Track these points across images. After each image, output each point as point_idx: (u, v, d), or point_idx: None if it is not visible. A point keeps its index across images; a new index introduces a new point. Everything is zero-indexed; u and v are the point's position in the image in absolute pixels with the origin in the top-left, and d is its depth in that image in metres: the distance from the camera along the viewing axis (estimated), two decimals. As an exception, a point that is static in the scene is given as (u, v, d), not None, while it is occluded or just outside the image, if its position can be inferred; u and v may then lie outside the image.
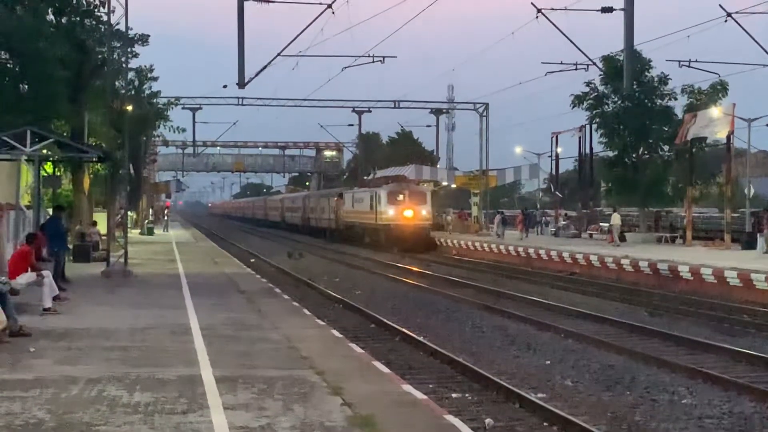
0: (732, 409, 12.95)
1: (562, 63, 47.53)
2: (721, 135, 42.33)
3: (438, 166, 76.79)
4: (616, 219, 46.58)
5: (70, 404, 10.01)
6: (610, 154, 51.05)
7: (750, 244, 39.65)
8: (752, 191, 56.45)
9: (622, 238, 46.80)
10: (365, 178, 69.89)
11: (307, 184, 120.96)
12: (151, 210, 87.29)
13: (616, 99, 49.02)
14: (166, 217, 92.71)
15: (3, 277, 17.81)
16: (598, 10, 33.36)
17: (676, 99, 48.71)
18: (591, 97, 49.65)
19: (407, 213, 55.56)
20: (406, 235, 54.15)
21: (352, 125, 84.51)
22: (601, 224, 56.01)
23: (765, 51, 34.72)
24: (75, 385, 11.05)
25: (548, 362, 16.96)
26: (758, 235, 39.25)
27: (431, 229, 58.08)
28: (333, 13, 32.52)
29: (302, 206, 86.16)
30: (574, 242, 48.42)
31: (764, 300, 25.91)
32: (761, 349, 18.02)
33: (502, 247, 46.80)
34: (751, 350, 17.57)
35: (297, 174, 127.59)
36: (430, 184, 67.96)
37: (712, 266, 29.88)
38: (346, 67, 50.93)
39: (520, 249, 44.63)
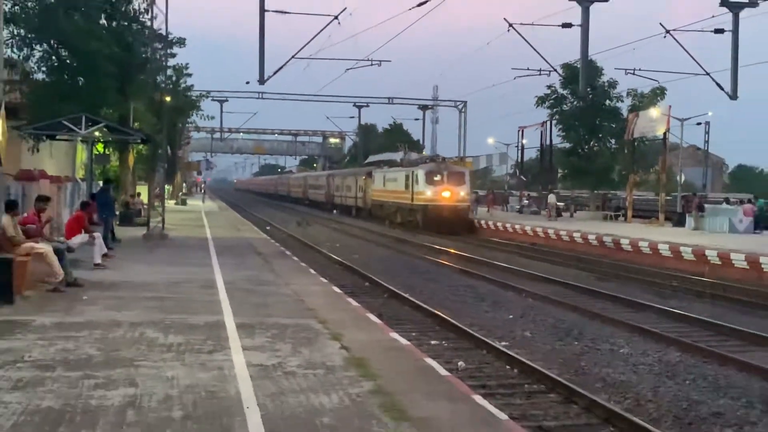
0: (662, 358, 13.03)
1: (528, 69, 47.53)
2: (660, 132, 42.49)
3: (424, 152, 76.41)
4: (552, 199, 48.37)
5: (116, 343, 10.04)
6: (567, 145, 51.22)
7: (680, 222, 39.94)
8: (683, 179, 56.81)
9: (558, 214, 47.93)
10: (398, 159, 57.61)
11: (314, 165, 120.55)
12: (184, 184, 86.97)
13: (572, 100, 49.18)
14: (202, 190, 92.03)
15: (61, 238, 17.88)
16: (559, 26, 33.27)
17: (622, 101, 49.05)
18: (552, 97, 49.80)
19: (445, 193, 45.34)
20: (444, 216, 44.31)
21: (353, 117, 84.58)
22: (557, 203, 56.13)
23: (696, 62, 34.69)
24: (119, 327, 11.08)
25: (511, 317, 17.01)
26: (687, 215, 39.48)
27: (468, 210, 47.87)
28: (339, 23, 32.52)
29: (326, 184, 75.59)
30: (535, 218, 48.47)
31: (691, 269, 26.03)
32: (687, 309, 18.13)
33: (475, 221, 46.74)
34: (678, 310, 17.69)
35: (306, 157, 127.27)
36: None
37: (648, 240, 29.99)
38: (348, 69, 50.91)
39: (490, 223, 44.62)
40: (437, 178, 45.88)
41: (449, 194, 45.38)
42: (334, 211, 55.02)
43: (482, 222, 45.61)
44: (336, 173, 75.54)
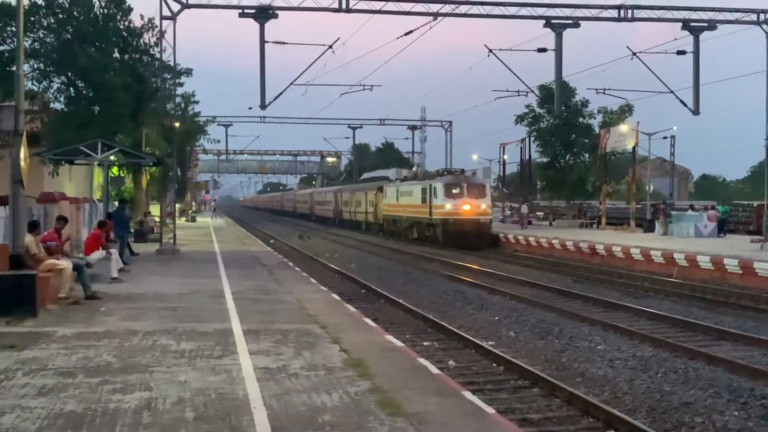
0: (635, 354, 13.02)
1: (507, 90, 47.60)
2: (629, 146, 42.63)
3: (414, 169, 76.45)
4: (524, 209, 48.60)
5: (132, 351, 10.01)
6: (545, 160, 51.31)
7: (650, 228, 40.00)
8: (651, 188, 57.00)
9: (529, 223, 48.93)
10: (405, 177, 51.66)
11: (314, 183, 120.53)
12: (194, 203, 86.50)
13: (549, 118, 49.27)
14: (214, 208, 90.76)
15: (80, 254, 17.85)
16: (535, 50, 33.36)
17: (594, 118, 49.23)
18: (530, 116, 49.94)
19: (466, 207, 39.78)
20: (465, 230, 38.96)
21: (348, 138, 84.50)
22: (536, 213, 56.16)
23: (661, 81, 34.77)
24: (135, 336, 11.04)
25: (497, 318, 17.00)
26: (656, 221, 39.54)
27: (491, 224, 41.65)
28: (333, 52, 32.44)
29: (334, 200, 69.91)
30: (515, 227, 48.50)
31: (660, 270, 26.07)
32: (658, 307, 18.14)
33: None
34: (650, 309, 17.71)
35: (306, 175, 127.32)
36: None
37: (621, 245, 30.01)
38: (343, 93, 50.96)
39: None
40: (456, 190, 40.41)
41: (470, 207, 39.89)
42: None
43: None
44: (345, 188, 69.05)
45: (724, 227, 36.72)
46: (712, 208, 39.64)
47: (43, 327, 11.68)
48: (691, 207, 43.78)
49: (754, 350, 13.33)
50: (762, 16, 30.08)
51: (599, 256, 30.70)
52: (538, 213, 57.92)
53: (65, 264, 14.47)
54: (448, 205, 39.97)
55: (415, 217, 44.22)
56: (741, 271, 23.20)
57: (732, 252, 25.58)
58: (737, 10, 31.15)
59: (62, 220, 16.77)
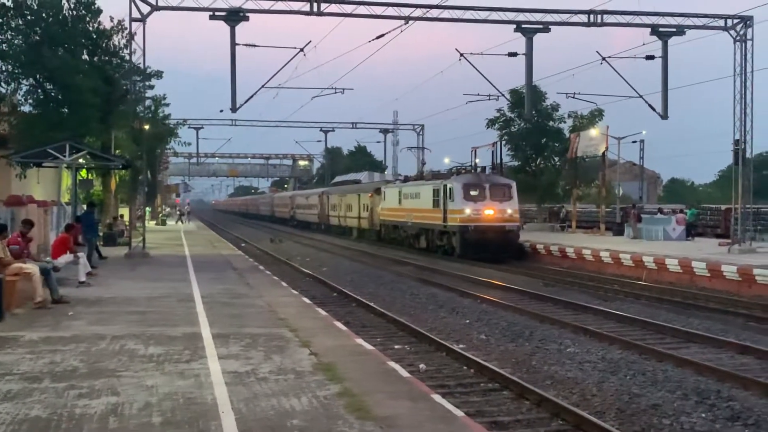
0: (605, 356, 13.10)
1: (479, 94, 47.49)
2: (600, 151, 42.92)
3: (386, 173, 76.31)
4: None
5: (99, 355, 9.89)
6: (516, 163, 51.54)
7: (619, 232, 40.35)
8: (621, 192, 57.55)
9: None
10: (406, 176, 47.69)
11: (285, 186, 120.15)
12: (164, 206, 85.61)
13: (519, 122, 49.50)
14: (188, 211, 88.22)
15: (48, 258, 17.62)
16: (506, 55, 33.52)
17: (564, 122, 49.50)
18: (501, 120, 50.08)
19: (488, 212, 34.08)
20: (488, 239, 33.35)
21: (320, 141, 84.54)
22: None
23: (630, 86, 35.02)
24: (103, 340, 10.92)
25: (468, 321, 17.03)
26: (625, 224, 39.89)
27: (519, 231, 35.50)
28: (304, 55, 32.30)
29: (319, 203, 64.24)
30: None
31: (629, 273, 26.28)
32: (627, 310, 18.29)
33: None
34: (619, 311, 17.84)
35: (278, 179, 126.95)
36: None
37: (591, 248, 30.20)
38: (314, 97, 50.74)
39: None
40: (477, 192, 34.65)
41: (493, 212, 34.21)
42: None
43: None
44: (332, 190, 61.98)
45: (692, 231, 37.11)
46: (681, 211, 40.02)
47: (9, 331, 11.52)
48: (660, 210, 44.20)
49: (722, 352, 13.48)
50: (729, 22, 30.44)
51: (569, 258, 30.88)
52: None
53: (32, 268, 14.28)
54: (468, 210, 34.19)
55: (424, 223, 38.42)
56: (709, 274, 23.45)
57: (700, 255, 25.86)
58: (705, 16, 31.49)
59: (28, 224, 16.56)
